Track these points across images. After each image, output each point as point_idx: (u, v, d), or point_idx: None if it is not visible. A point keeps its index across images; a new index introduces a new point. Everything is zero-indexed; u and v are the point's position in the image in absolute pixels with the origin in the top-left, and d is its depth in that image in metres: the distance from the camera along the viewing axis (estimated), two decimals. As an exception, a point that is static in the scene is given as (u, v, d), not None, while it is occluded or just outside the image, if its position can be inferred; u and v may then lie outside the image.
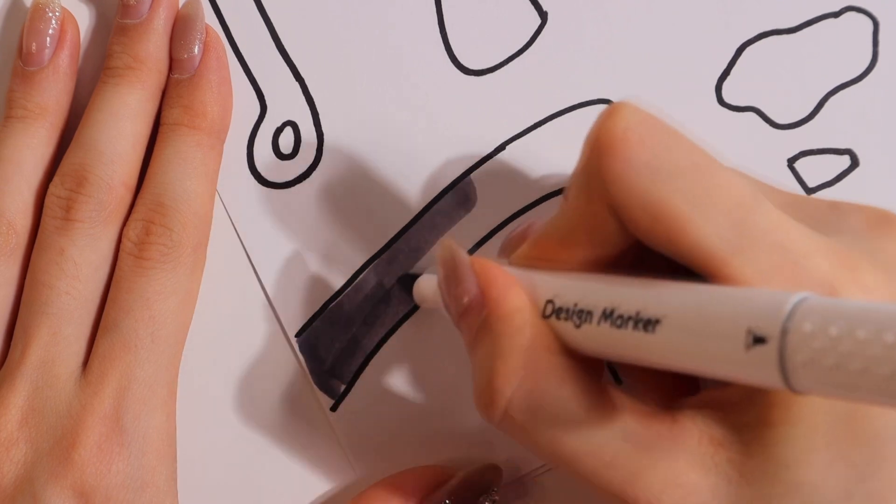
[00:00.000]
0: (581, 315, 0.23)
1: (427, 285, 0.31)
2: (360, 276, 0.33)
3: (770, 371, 0.19)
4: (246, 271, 0.33)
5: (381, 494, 0.31)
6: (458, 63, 0.34)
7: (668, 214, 0.22)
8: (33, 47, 0.32)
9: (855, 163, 0.33)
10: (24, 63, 0.32)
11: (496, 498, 0.32)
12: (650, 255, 0.24)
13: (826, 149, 0.33)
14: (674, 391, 0.26)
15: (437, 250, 0.27)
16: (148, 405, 0.30)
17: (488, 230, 0.33)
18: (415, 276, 0.32)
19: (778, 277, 0.21)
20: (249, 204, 0.34)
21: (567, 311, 0.24)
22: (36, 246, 0.31)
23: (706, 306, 0.21)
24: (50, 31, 0.32)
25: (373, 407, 0.33)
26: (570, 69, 0.33)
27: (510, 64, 0.34)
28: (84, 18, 0.34)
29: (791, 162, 0.33)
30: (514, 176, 0.33)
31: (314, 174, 0.34)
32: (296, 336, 0.33)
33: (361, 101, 0.34)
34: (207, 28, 0.33)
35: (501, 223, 0.33)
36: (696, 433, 0.23)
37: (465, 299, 0.25)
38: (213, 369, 0.33)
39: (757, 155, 0.33)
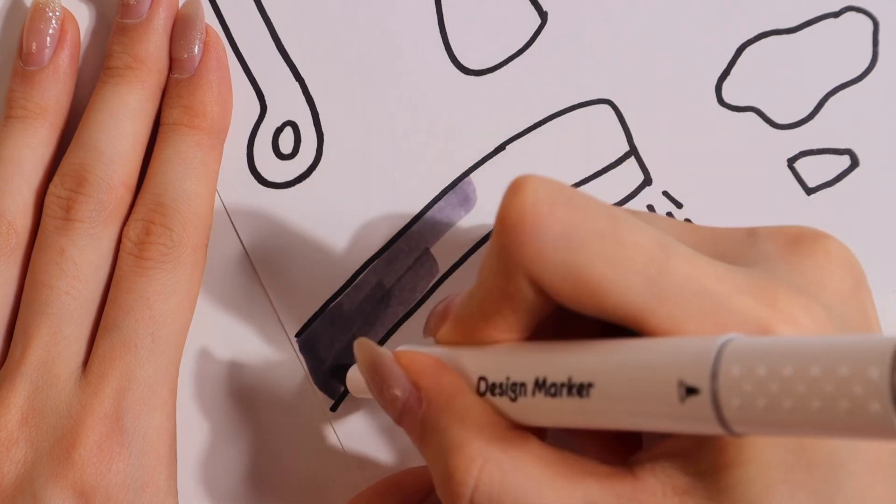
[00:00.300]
0: (515, 388, 0.23)
1: (359, 376, 0.30)
2: (360, 276, 0.33)
3: (707, 419, 0.19)
4: (246, 271, 0.33)
5: (381, 494, 0.31)
6: (458, 63, 0.34)
7: (587, 280, 0.22)
8: (33, 47, 0.32)
9: (855, 163, 0.33)
10: (24, 63, 0.32)
11: (496, 498, 0.32)
12: (577, 320, 0.24)
13: (826, 149, 0.33)
14: (623, 447, 0.26)
15: (355, 351, 0.27)
16: (148, 405, 0.30)
17: (488, 230, 0.33)
18: (345, 367, 0.32)
19: (704, 323, 0.21)
20: (249, 204, 0.34)
21: (500, 385, 0.24)
22: (36, 246, 0.31)
23: (635, 363, 0.21)
24: (50, 31, 0.32)
25: (373, 407, 0.33)
26: (570, 69, 0.33)
27: (510, 64, 0.34)
28: (84, 18, 0.34)
29: (791, 162, 0.33)
30: (513, 176, 0.33)
31: (314, 174, 0.34)
32: (296, 336, 0.33)
33: (361, 101, 0.34)
34: (207, 28, 0.33)
35: (501, 223, 0.33)
36: (658, 487, 0.23)
37: (400, 398, 0.25)
38: (213, 369, 0.33)
39: (757, 155, 0.33)
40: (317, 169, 0.34)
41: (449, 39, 0.34)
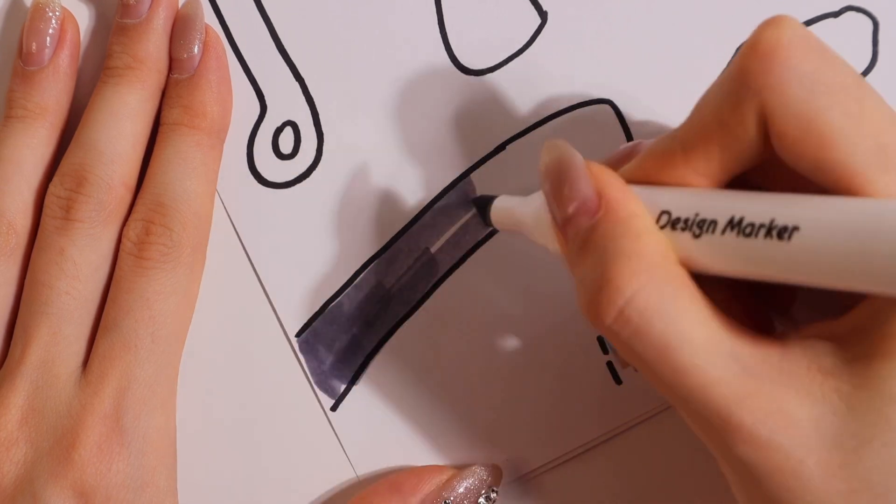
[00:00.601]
0: (702, 225, 0.22)
1: (505, 206, 0.30)
2: (361, 276, 0.33)
3: None
4: (246, 271, 0.33)
5: (381, 494, 0.31)
6: (458, 63, 0.34)
7: (822, 127, 0.22)
8: (33, 47, 0.32)
9: (855, 162, 0.33)
10: (24, 63, 0.32)
11: (496, 498, 0.32)
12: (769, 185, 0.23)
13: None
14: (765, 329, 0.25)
15: (544, 151, 0.25)
16: (148, 405, 0.30)
17: (488, 231, 0.33)
18: (487, 198, 0.31)
19: None
20: (249, 204, 0.34)
21: (686, 220, 0.23)
22: (36, 246, 0.31)
23: (852, 213, 0.20)
24: (50, 31, 0.32)
25: (373, 407, 0.33)
26: (570, 69, 0.33)
27: (510, 64, 0.34)
28: (84, 18, 0.34)
29: (791, 162, 0.33)
30: (513, 176, 0.33)
31: (314, 174, 0.34)
32: (296, 336, 0.33)
33: (361, 101, 0.34)
34: (207, 28, 0.33)
35: (501, 223, 0.33)
36: (805, 362, 0.22)
37: (577, 201, 0.24)
38: (213, 369, 0.33)
39: (757, 155, 0.33)
40: (317, 169, 0.34)
41: (449, 39, 0.34)
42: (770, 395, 0.22)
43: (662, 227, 0.23)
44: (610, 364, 0.33)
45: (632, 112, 0.33)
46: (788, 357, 0.23)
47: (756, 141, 0.23)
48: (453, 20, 0.34)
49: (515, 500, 0.33)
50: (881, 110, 0.22)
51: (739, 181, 0.24)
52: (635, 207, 0.24)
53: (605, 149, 0.33)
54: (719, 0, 0.33)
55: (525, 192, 0.33)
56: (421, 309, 0.33)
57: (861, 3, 0.33)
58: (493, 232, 0.33)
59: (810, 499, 0.22)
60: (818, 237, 0.20)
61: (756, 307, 0.26)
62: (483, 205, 0.32)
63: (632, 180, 0.25)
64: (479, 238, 0.33)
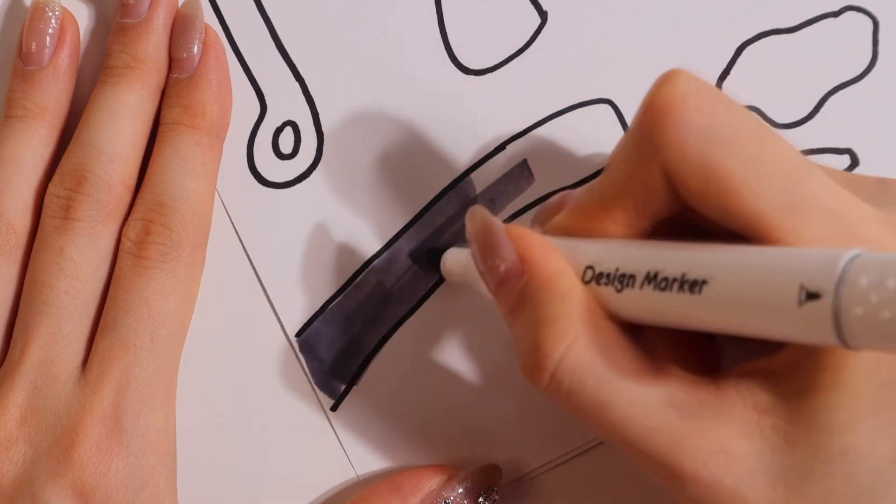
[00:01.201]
0: (623, 279, 0.23)
1: (454, 259, 0.31)
2: (361, 276, 0.33)
3: (824, 327, 0.19)
4: (246, 271, 0.33)
5: (381, 494, 0.31)
6: (458, 63, 0.34)
7: (722, 178, 0.22)
8: (33, 47, 0.32)
9: (855, 162, 0.33)
10: (24, 63, 0.32)
11: (496, 498, 0.32)
12: (686, 230, 0.24)
13: (826, 148, 0.33)
14: (702, 366, 0.26)
15: (468, 219, 0.27)
16: (147, 404, 0.30)
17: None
18: (440, 250, 0.32)
19: (831, 243, 0.21)
20: (249, 204, 0.34)
21: (608, 275, 0.24)
22: (35, 245, 0.31)
23: (756, 264, 0.21)
24: (50, 31, 0.32)
25: (373, 407, 0.33)
26: (570, 69, 0.33)
27: (510, 64, 0.34)
28: (84, 18, 0.34)
29: (791, 161, 0.33)
30: (514, 175, 0.33)
31: (314, 174, 0.34)
32: (296, 336, 0.33)
33: (361, 101, 0.34)
34: (207, 27, 0.33)
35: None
36: (740, 400, 0.23)
37: (503, 268, 0.25)
38: (213, 369, 0.33)
39: (757, 154, 0.33)
40: (317, 169, 0.34)
41: (449, 39, 0.34)
42: (709, 437, 0.22)
43: (588, 282, 0.24)
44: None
45: (632, 112, 0.33)
46: (724, 397, 0.23)
47: (666, 194, 0.23)
48: (453, 20, 0.34)
49: (515, 500, 0.33)
50: (784, 152, 0.22)
51: (667, 222, 0.24)
52: (557, 266, 0.24)
53: (605, 149, 0.33)
54: (719, 0, 0.33)
55: (526, 192, 0.33)
56: (421, 309, 0.33)
57: (861, 3, 0.33)
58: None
59: None
60: (726, 289, 0.21)
61: (702, 346, 0.27)
62: (434, 256, 0.32)
63: (562, 232, 0.26)
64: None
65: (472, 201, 0.33)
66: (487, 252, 0.25)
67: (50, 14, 0.32)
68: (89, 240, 0.31)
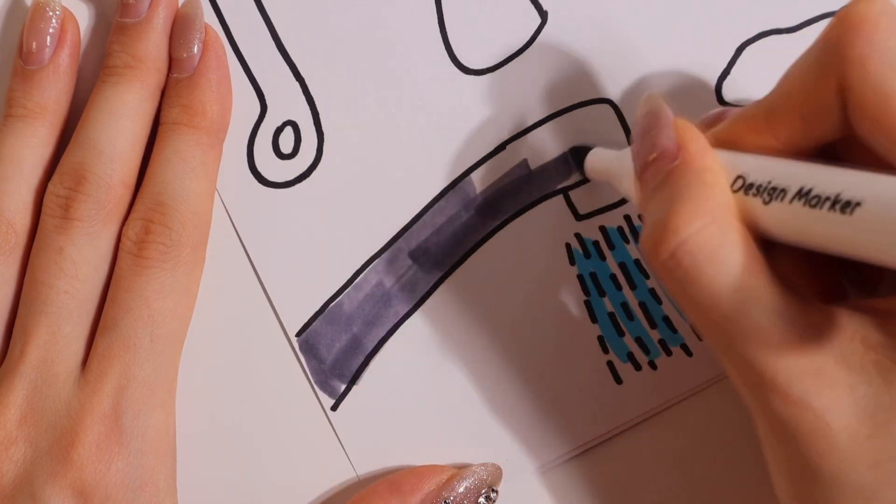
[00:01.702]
0: (773, 192, 0.23)
1: (599, 157, 0.31)
2: (361, 276, 0.33)
3: None
4: (246, 271, 0.33)
5: (381, 494, 0.31)
6: (458, 62, 0.34)
7: None
8: (34, 46, 0.32)
9: (855, 162, 0.33)
10: (24, 62, 0.32)
11: (496, 498, 0.32)
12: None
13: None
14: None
15: (642, 102, 0.27)
16: (147, 404, 0.30)
17: (488, 230, 0.33)
18: (584, 148, 0.32)
19: None
20: (249, 204, 0.34)
21: (758, 187, 0.23)
22: (35, 245, 0.31)
23: None
24: (50, 31, 0.32)
25: (373, 407, 0.33)
26: (570, 69, 0.33)
27: (510, 64, 0.34)
28: (84, 17, 0.34)
29: (791, 161, 0.33)
30: (514, 175, 0.33)
31: (314, 174, 0.34)
32: (296, 335, 0.33)
33: (361, 101, 0.34)
34: (207, 27, 0.33)
35: (501, 223, 0.33)
36: (849, 331, 0.23)
37: (660, 146, 0.25)
38: (213, 369, 0.33)
39: (757, 154, 0.33)
40: (317, 169, 0.34)
41: (449, 39, 0.34)
42: (810, 357, 0.22)
43: (736, 191, 0.24)
44: (610, 364, 0.33)
45: (632, 112, 0.33)
46: (835, 324, 0.23)
47: (836, 113, 0.23)
48: (453, 20, 0.34)
49: (515, 500, 0.33)
50: None
51: (821, 153, 0.25)
52: (711, 163, 0.24)
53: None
54: (719, 0, 0.33)
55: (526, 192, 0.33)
56: (421, 309, 0.33)
57: (861, 3, 0.33)
58: (493, 232, 0.33)
59: (835, 462, 0.22)
60: (879, 213, 0.21)
61: (830, 279, 0.27)
62: (579, 155, 0.32)
63: (717, 143, 0.26)
64: (480, 238, 0.33)
65: (472, 201, 0.33)
66: (650, 130, 0.25)
67: (50, 14, 0.32)
68: (89, 239, 0.31)
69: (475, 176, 0.33)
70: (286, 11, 0.34)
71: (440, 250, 0.33)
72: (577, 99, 0.33)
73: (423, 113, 0.34)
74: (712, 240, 0.23)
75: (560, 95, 0.33)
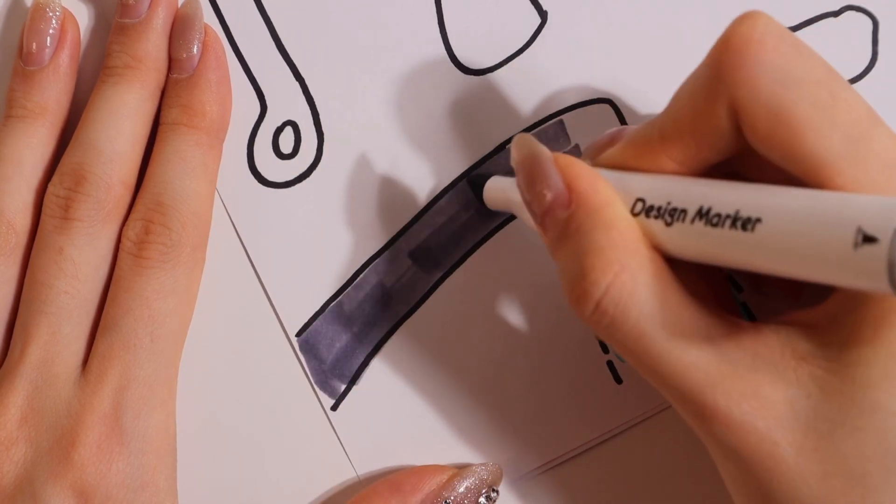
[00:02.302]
0: (674, 213, 0.23)
1: (497, 187, 0.31)
2: (361, 276, 0.33)
3: (878, 272, 0.19)
4: (246, 271, 0.33)
5: (381, 494, 0.31)
6: (458, 62, 0.34)
7: (791, 119, 0.22)
8: (34, 47, 0.32)
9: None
10: (24, 62, 0.32)
11: (496, 498, 0.32)
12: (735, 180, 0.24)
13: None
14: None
15: (513, 146, 0.26)
16: (147, 404, 0.30)
17: (488, 230, 0.33)
18: (483, 177, 0.32)
19: (890, 195, 0.21)
20: (249, 204, 0.34)
21: (658, 209, 0.24)
22: (35, 245, 0.31)
23: (814, 205, 0.21)
24: (50, 31, 0.32)
25: (373, 407, 0.33)
26: (570, 69, 0.33)
27: (510, 63, 0.34)
28: (84, 18, 0.34)
29: (791, 161, 0.33)
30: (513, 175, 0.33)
31: (314, 174, 0.34)
32: (296, 336, 0.33)
33: (361, 101, 0.34)
34: (206, 27, 0.33)
35: (501, 223, 0.33)
36: (779, 347, 0.23)
37: (549, 196, 0.25)
38: (214, 369, 0.33)
39: (757, 154, 0.33)
40: (317, 169, 0.34)
41: (449, 39, 0.34)
42: (744, 379, 0.23)
43: (636, 215, 0.24)
44: (610, 364, 0.33)
45: (632, 112, 0.33)
46: (763, 341, 0.23)
47: (729, 133, 0.23)
48: (453, 19, 0.34)
49: (515, 500, 0.33)
50: (853, 103, 0.23)
51: (718, 167, 0.25)
52: (605, 196, 0.24)
53: (606, 148, 0.33)
54: (719, 0, 0.33)
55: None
56: (421, 309, 0.33)
57: (861, 3, 0.33)
58: (493, 232, 0.33)
59: (786, 480, 0.22)
60: (779, 228, 0.21)
61: (728, 298, 0.27)
62: (478, 183, 0.32)
63: (613, 165, 0.26)
64: (479, 238, 0.33)
65: (472, 201, 0.33)
66: (534, 180, 0.25)
67: (50, 14, 0.32)
68: (89, 239, 0.31)
69: (475, 176, 0.33)
70: (286, 11, 0.34)
71: (440, 250, 0.33)
72: (577, 99, 0.33)
73: (423, 113, 0.34)
74: (628, 284, 0.23)
75: (560, 95, 0.33)
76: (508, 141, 0.33)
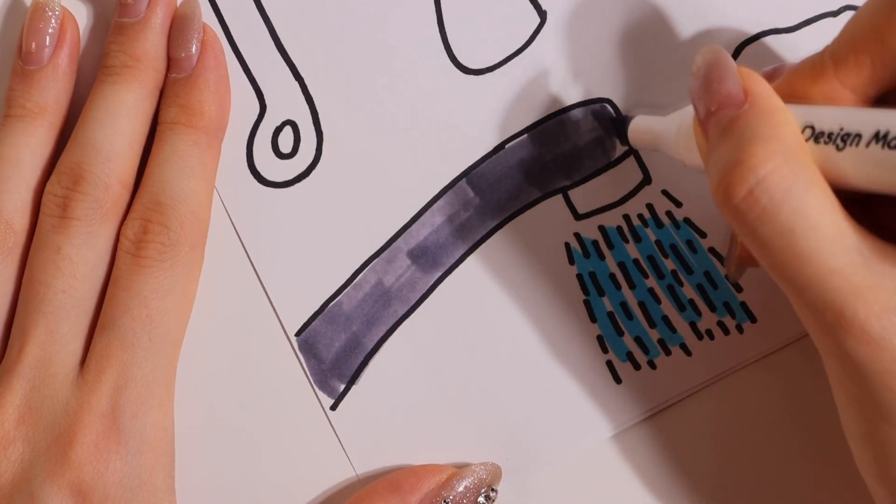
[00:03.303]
0: (846, 138, 0.23)
1: (642, 125, 0.31)
2: (360, 275, 0.33)
3: None
4: (245, 271, 0.33)
5: (380, 493, 0.31)
6: (458, 62, 0.34)
7: None
8: (33, 46, 0.32)
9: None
10: (23, 62, 0.32)
11: (495, 497, 0.31)
12: None
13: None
14: None
15: (700, 53, 0.26)
16: (145, 404, 0.30)
17: (487, 230, 0.33)
18: (625, 119, 0.32)
19: None
20: (249, 203, 0.34)
21: (829, 135, 0.23)
22: (33, 244, 0.31)
23: None
24: (50, 31, 0.32)
25: (373, 406, 0.33)
26: (569, 69, 0.33)
27: (510, 63, 0.34)
28: (83, 17, 0.34)
29: (791, 160, 0.33)
30: (513, 175, 0.33)
31: (314, 174, 0.34)
32: (295, 335, 0.33)
33: (361, 101, 0.34)
34: (205, 27, 0.33)
35: (501, 223, 0.33)
36: None
37: (724, 91, 0.24)
38: (213, 368, 0.33)
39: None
40: (316, 168, 0.34)
41: (448, 39, 0.34)
42: (889, 292, 0.22)
43: (806, 140, 0.24)
44: (610, 363, 0.33)
45: (632, 112, 0.33)
46: None
47: None
48: (453, 20, 0.34)
49: (515, 500, 0.32)
50: None
51: (890, 100, 0.24)
52: (780, 105, 0.24)
53: (605, 148, 0.33)
54: (719, 0, 0.33)
55: (526, 192, 0.33)
56: (421, 308, 0.33)
57: (860, 3, 0.33)
58: (493, 232, 0.33)
59: None
60: None
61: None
62: (621, 124, 0.32)
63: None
64: (479, 238, 0.33)
65: (471, 201, 0.33)
66: (713, 79, 0.25)
67: (50, 14, 0.32)
68: (87, 238, 0.31)
69: (474, 176, 0.33)
70: (285, 11, 0.34)
71: (439, 250, 0.33)
72: (577, 99, 0.33)
73: (423, 113, 0.34)
74: (788, 178, 0.22)
75: (560, 95, 0.33)
76: (509, 141, 0.33)
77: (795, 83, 0.25)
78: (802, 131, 0.24)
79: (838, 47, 0.24)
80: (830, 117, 0.23)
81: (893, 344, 0.22)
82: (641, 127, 0.31)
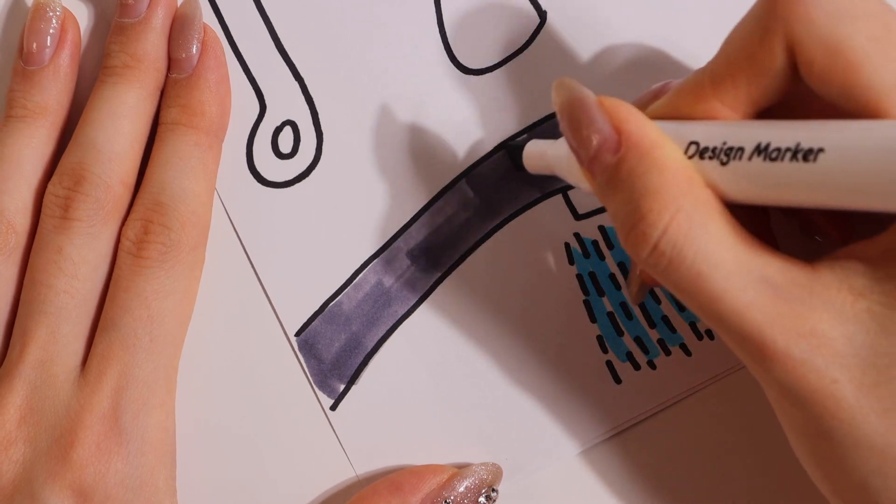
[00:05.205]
0: (729, 153, 0.23)
1: (536, 150, 0.31)
2: (360, 275, 0.33)
3: None
4: (245, 271, 0.33)
5: (381, 494, 0.31)
6: (458, 62, 0.34)
7: (847, 53, 0.22)
8: (34, 47, 0.32)
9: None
10: (24, 62, 0.32)
11: (496, 497, 0.32)
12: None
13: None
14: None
15: (554, 90, 0.26)
16: (146, 404, 0.30)
17: (488, 229, 0.33)
18: (520, 144, 0.32)
19: None
20: (249, 204, 0.34)
21: (713, 150, 0.23)
22: (34, 245, 0.31)
23: (874, 134, 0.20)
24: (51, 31, 0.32)
25: (373, 407, 0.33)
26: (569, 69, 0.33)
27: (510, 63, 0.34)
28: (84, 18, 0.34)
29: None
30: (513, 175, 0.33)
31: (313, 174, 0.34)
32: (295, 335, 0.33)
33: (361, 101, 0.34)
34: (206, 27, 0.33)
35: (500, 223, 0.33)
36: (835, 283, 0.23)
37: (596, 140, 0.24)
38: (213, 369, 0.33)
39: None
40: (316, 168, 0.34)
41: (448, 39, 0.34)
42: (802, 317, 0.22)
43: (690, 157, 0.24)
44: (610, 363, 0.33)
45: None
46: (819, 278, 0.23)
47: (783, 71, 0.23)
48: (453, 20, 0.34)
49: (515, 500, 0.33)
50: None
51: (768, 114, 0.25)
52: (656, 137, 0.24)
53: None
54: (719, 0, 0.33)
55: (526, 191, 0.33)
56: (419, 309, 0.33)
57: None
58: (492, 232, 0.33)
59: (846, 417, 0.22)
60: (843, 157, 0.21)
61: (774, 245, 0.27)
62: (514, 150, 0.32)
63: (662, 116, 0.26)
64: (479, 238, 0.33)
65: (471, 201, 0.33)
66: (579, 124, 0.25)
67: (51, 14, 0.32)
68: (88, 239, 0.31)
69: (474, 176, 0.33)
70: (285, 11, 0.34)
71: (439, 250, 0.33)
72: (577, 98, 0.33)
73: (423, 113, 0.34)
74: (685, 224, 0.23)
75: (559, 95, 0.33)
76: (508, 141, 0.33)
77: (679, 103, 0.25)
78: (687, 148, 0.24)
79: (715, 67, 0.25)
80: (713, 133, 0.24)
81: (815, 364, 0.22)
82: (535, 152, 0.31)
